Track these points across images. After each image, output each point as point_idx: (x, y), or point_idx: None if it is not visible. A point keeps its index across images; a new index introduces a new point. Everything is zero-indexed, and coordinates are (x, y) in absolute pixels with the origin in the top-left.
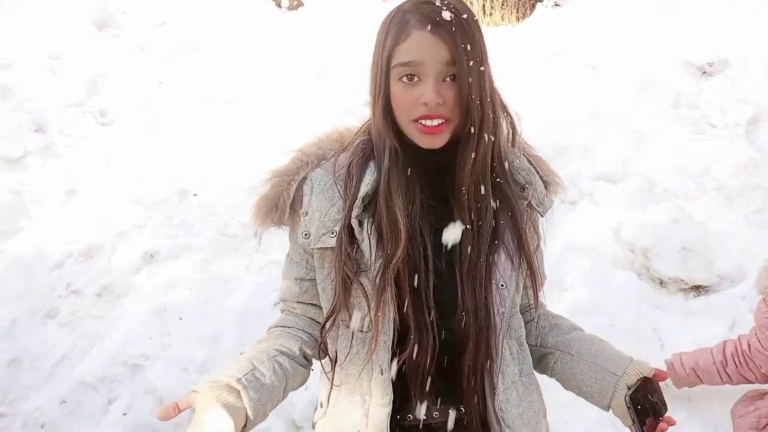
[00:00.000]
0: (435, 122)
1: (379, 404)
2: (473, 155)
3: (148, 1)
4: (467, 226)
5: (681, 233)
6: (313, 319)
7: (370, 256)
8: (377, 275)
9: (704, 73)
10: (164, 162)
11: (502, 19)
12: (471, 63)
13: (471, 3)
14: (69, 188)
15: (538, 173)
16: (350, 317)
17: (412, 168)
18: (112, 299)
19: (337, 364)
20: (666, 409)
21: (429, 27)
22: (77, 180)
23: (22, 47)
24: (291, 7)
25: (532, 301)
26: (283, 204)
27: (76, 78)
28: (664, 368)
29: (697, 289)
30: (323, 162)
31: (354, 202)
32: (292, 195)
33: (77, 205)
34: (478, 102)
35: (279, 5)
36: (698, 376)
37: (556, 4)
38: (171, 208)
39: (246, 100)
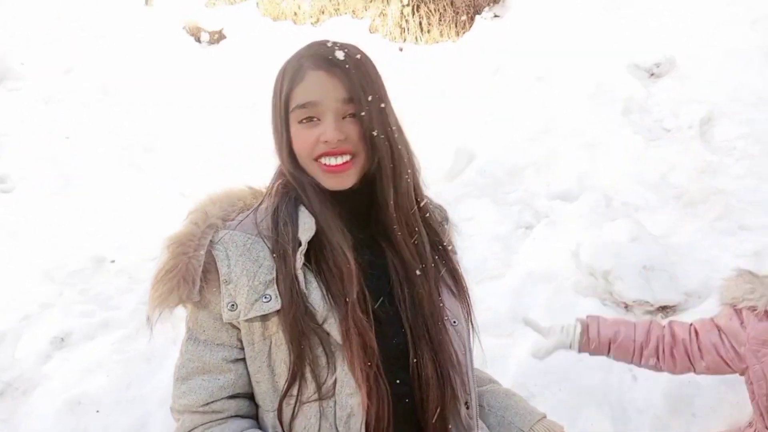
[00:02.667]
0: (339, 160)
1: None
2: (393, 192)
3: (51, 48)
4: (401, 259)
5: (640, 251)
6: (248, 417)
7: (325, 305)
8: (344, 317)
9: (652, 74)
10: (76, 226)
11: (441, 35)
12: (370, 98)
13: (406, 20)
14: None
15: None
16: (309, 385)
17: (339, 206)
18: (17, 397)
19: None
20: None
21: (323, 66)
22: None
23: None
24: (212, 41)
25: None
26: (192, 273)
27: None
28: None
29: (664, 309)
30: (229, 223)
31: (297, 251)
32: (202, 263)
33: None
34: (383, 137)
35: (198, 40)
36: (609, 348)
37: (496, 15)
38: (85, 279)
39: (169, 146)
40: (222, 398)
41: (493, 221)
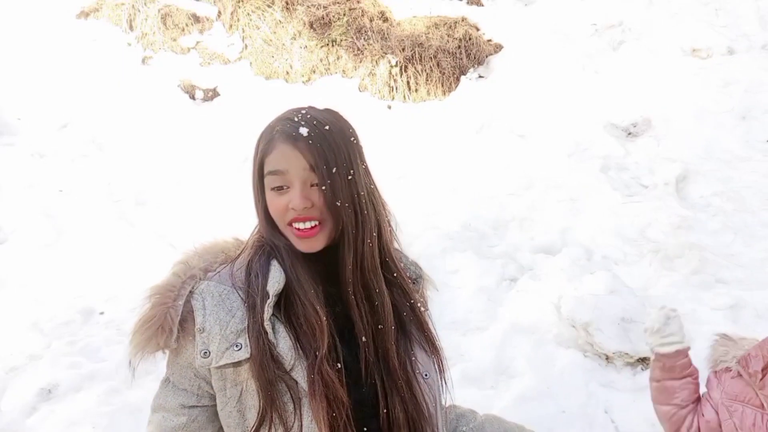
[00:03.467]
0: (308, 224)
1: None
2: (353, 256)
3: (48, 103)
4: (362, 322)
5: (618, 304)
6: None
7: (294, 356)
8: (311, 369)
9: (629, 134)
10: (66, 279)
11: (428, 94)
12: (334, 170)
13: (394, 80)
14: None
15: None
16: (277, 429)
17: (313, 263)
18: None
19: None
20: None
21: (289, 141)
22: None
23: None
24: (206, 98)
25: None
26: (170, 324)
27: None
28: None
29: (644, 361)
30: (210, 274)
31: (266, 303)
32: (180, 312)
33: None
34: (347, 205)
35: (193, 97)
36: (685, 376)
37: (480, 76)
38: (73, 331)
39: (160, 200)
40: None
41: (477, 274)
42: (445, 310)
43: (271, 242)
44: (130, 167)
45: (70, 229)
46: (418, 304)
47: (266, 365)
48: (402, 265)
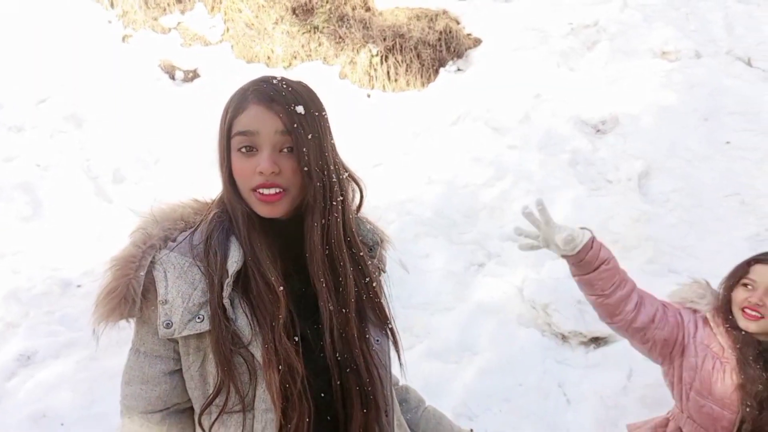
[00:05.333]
0: (272, 191)
1: None
2: (322, 224)
3: (26, 77)
4: (328, 293)
5: (575, 287)
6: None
7: (250, 330)
8: (267, 341)
9: (598, 131)
10: (44, 251)
11: (407, 85)
12: (309, 136)
13: (375, 69)
14: None
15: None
16: (233, 396)
17: (271, 236)
18: None
19: None
20: None
21: (263, 101)
22: None
23: None
24: (186, 79)
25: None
26: (132, 295)
27: None
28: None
29: (596, 341)
30: (170, 243)
31: (224, 282)
32: (141, 284)
33: None
34: (318, 170)
35: (173, 77)
36: (598, 267)
37: (459, 69)
38: (51, 302)
39: (138, 178)
40: (159, 409)
41: (447, 259)
42: (415, 291)
43: (234, 210)
44: (109, 144)
45: (48, 203)
46: (374, 284)
47: (222, 341)
48: (360, 238)
